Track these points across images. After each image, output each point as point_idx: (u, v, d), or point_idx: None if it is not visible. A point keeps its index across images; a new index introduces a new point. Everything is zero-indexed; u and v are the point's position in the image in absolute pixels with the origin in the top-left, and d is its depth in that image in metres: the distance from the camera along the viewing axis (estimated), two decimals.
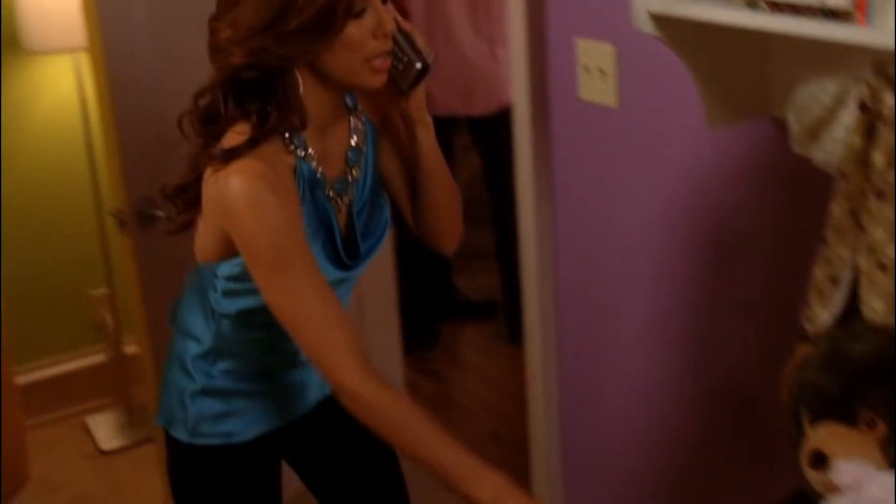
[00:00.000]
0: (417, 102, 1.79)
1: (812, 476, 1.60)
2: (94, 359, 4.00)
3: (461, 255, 4.45)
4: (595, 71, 2.27)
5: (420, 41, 1.73)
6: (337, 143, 1.78)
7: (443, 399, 3.84)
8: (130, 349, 3.80)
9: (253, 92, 1.66)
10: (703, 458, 2.32)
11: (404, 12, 3.86)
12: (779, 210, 2.04)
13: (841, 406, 1.61)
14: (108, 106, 2.61)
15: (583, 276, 2.50)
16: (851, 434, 1.60)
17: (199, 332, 1.85)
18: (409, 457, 1.70)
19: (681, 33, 1.76)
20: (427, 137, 1.82)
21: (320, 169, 1.73)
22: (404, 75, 1.74)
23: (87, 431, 3.86)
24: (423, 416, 1.65)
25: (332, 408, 1.81)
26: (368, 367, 1.64)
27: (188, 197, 1.75)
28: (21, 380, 3.72)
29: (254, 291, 1.70)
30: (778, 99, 1.90)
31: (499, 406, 3.62)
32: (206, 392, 1.88)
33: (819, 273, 1.74)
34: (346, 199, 1.79)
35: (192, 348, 1.87)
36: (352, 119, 1.81)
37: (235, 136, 1.66)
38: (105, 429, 3.84)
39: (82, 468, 3.67)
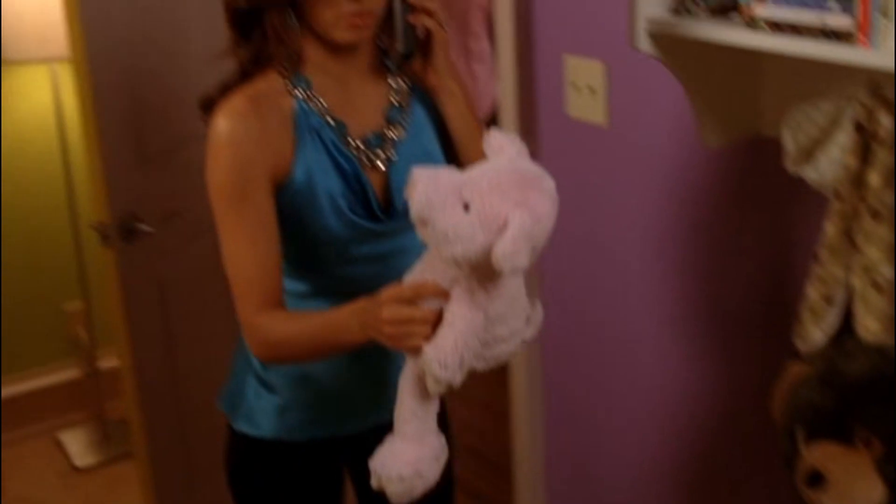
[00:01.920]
0: (433, 68, 1.79)
1: (810, 495, 1.60)
2: (68, 374, 3.95)
3: None
4: (584, 88, 2.27)
5: (420, 20, 1.74)
6: (369, 99, 1.79)
7: None
8: (105, 364, 3.76)
9: (251, 28, 1.72)
10: (690, 478, 2.32)
11: None
12: (771, 228, 2.05)
13: (837, 424, 1.62)
14: (92, 117, 2.59)
15: (569, 294, 2.49)
16: (848, 453, 1.60)
17: None
18: (303, 360, 1.77)
19: (677, 52, 1.77)
20: (451, 107, 1.81)
21: (334, 117, 1.75)
22: (396, 47, 1.76)
23: (60, 448, 3.81)
24: (293, 317, 1.71)
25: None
26: (269, 306, 1.69)
27: None
28: None
29: (293, 274, 1.78)
30: (771, 117, 1.91)
31: (476, 422, 3.61)
32: (263, 382, 1.87)
33: (813, 292, 1.75)
34: (382, 155, 1.78)
35: None
36: (391, 79, 1.82)
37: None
38: (79, 445, 3.80)
39: (56, 486, 3.62)
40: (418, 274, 1.57)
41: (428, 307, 1.50)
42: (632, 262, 2.32)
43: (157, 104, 2.71)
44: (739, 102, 1.90)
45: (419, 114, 1.83)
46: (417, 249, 1.67)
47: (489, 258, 1.40)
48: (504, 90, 2.43)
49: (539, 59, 2.37)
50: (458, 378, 1.49)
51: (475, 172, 1.46)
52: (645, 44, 1.74)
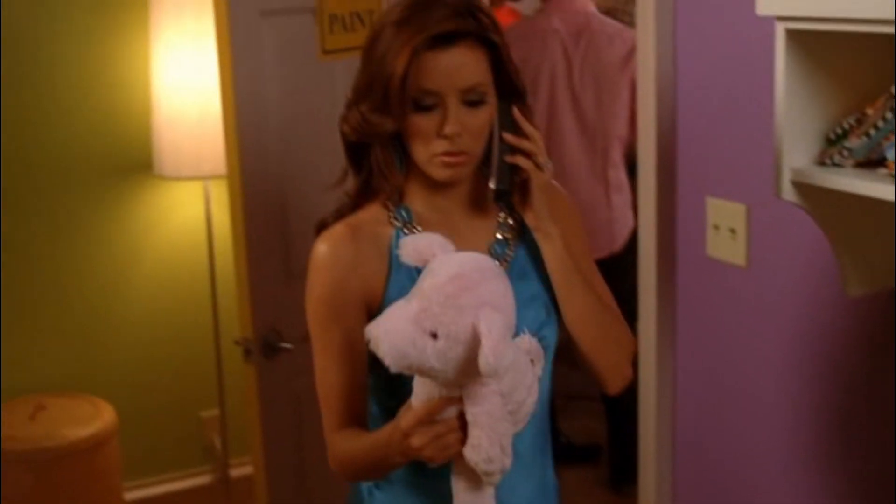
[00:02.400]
0: (531, 209, 1.75)
1: None
2: (201, 480, 4.04)
3: (564, 396, 4.43)
4: (725, 229, 2.29)
5: (517, 161, 1.72)
6: (474, 232, 1.82)
7: None
8: (237, 472, 3.84)
9: (362, 160, 1.81)
10: None
11: None
12: None
13: None
14: (242, 234, 2.69)
15: (701, 433, 2.48)
16: None
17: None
18: (370, 477, 1.81)
19: (822, 202, 1.78)
20: (548, 250, 1.76)
21: None
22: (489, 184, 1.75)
23: None
24: (356, 436, 1.74)
25: None
26: (348, 424, 1.75)
27: None
28: (128, 496, 3.77)
29: (378, 399, 1.80)
30: None
31: None
32: None
33: None
34: None
35: None
36: (501, 213, 1.84)
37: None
38: None
39: None
40: (421, 390, 1.59)
41: (448, 416, 1.55)
42: (765, 403, 2.30)
43: (304, 226, 2.80)
44: (883, 253, 1.89)
45: (527, 249, 1.83)
46: None
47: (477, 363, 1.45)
48: (644, 228, 2.47)
49: (681, 200, 2.41)
50: (507, 462, 1.54)
51: (419, 297, 1.50)
52: (789, 193, 1.76)
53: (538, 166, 1.73)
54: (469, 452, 1.53)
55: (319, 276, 1.77)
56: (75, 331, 3.80)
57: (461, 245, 1.77)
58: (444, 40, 1.67)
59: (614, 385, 1.85)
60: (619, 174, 4.04)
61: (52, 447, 3.40)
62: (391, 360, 1.48)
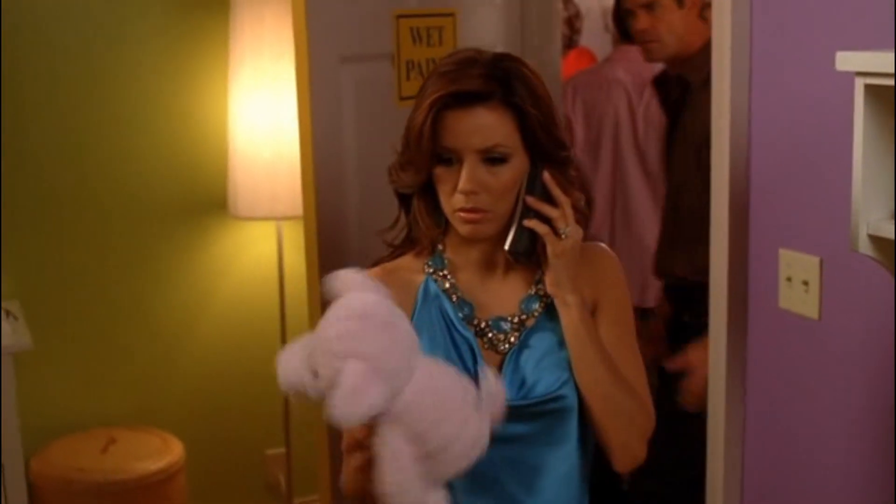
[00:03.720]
0: (550, 277, 1.76)
1: None
2: None
3: None
4: (798, 282, 2.29)
5: (534, 226, 1.74)
6: (509, 285, 1.84)
7: None
8: None
9: (407, 209, 1.87)
10: None
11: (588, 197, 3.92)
12: None
13: None
14: (317, 275, 2.74)
15: (771, 487, 2.47)
16: None
17: None
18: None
19: None
20: (565, 318, 1.77)
21: (460, 296, 1.82)
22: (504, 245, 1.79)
23: None
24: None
25: None
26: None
27: None
28: None
29: None
30: None
31: None
32: None
33: None
34: (504, 339, 1.81)
35: None
36: (539, 270, 1.83)
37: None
38: None
39: None
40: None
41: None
42: (836, 458, 2.28)
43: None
44: None
45: (548, 312, 1.83)
46: (529, 441, 1.76)
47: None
48: (715, 279, 2.47)
49: (753, 251, 2.41)
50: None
51: (314, 337, 1.59)
52: (866, 247, 1.77)
53: (557, 233, 1.74)
54: (377, 483, 1.57)
55: None
56: (147, 366, 3.87)
57: (492, 297, 1.83)
58: (466, 99, 1.70)
59: (621, 464, 1.82)
60: None
61: (121, 480, 3.46)
62: (282, 384, 1.61)
